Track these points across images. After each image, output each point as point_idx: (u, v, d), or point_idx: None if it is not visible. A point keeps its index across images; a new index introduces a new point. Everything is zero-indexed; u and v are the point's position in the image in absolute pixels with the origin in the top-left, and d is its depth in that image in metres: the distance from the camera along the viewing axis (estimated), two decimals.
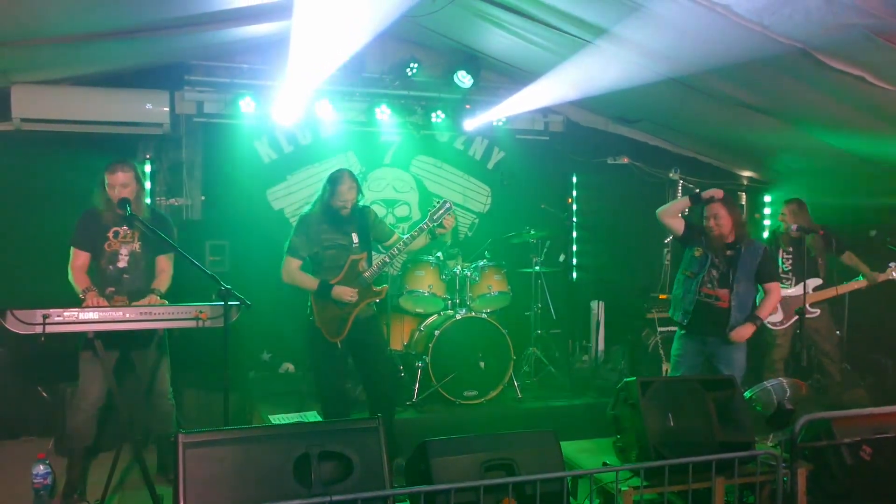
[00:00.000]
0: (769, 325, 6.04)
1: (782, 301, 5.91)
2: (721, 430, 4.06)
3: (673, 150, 7.83)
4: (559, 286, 7.41)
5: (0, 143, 5.95)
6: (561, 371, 6.76)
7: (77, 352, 4.27)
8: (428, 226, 4.70)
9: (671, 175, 7.46)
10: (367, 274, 4.66)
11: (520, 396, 6.03)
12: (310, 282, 4.66)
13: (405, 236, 4.74)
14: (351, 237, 4.69)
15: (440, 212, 4.69)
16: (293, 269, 4.67)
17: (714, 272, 4.85)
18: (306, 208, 4.81)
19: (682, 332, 4.95)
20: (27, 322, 3.71)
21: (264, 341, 6.69)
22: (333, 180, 4.61)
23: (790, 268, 6.15)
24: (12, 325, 3.72)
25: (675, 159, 7.70)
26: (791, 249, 6.15)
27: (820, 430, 4.07)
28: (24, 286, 5.61)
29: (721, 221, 4.86)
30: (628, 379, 4.22)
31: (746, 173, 8.03)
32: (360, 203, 4.75)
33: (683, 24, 4.43)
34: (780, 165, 7.45)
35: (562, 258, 7.53)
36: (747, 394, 4.88)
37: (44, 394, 5.67)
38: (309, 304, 4.69)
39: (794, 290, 6.02)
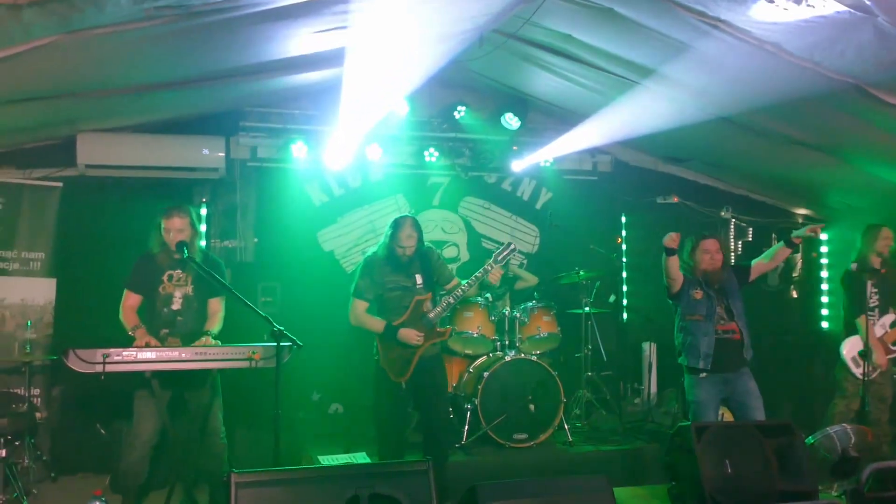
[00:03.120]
0: (851, 374, 5.53)
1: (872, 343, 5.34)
2: (782, 479, 3.93)
3: (724, 188, 7.73)
4: (610, 327, 7.32)
5: (66, 188, 6.20)
6: (612, 414, 6.64)
7: (133, 391, 4.37)
8: (492, 267, 4.74)
9: (722, 214, 7.35)
10: (431, 315, 4.70)
11: (570, 440, 5.93)
12: (377, 324, 4.73)
13: (473, 276, 4.76)
14: (414, 278, 4.76)
15: (504, 253, 4.76)
16: (360, 312, 4.74)
17: (720, 308, 4.88)
18: (370, 250, 4.88)
19: (699, 376, 4.84)
20: (88, 361, 3.83)
21: (314, 382, 6.74)
22: (395, 225, 4.71)
23: (877, 303, 5.55)
24: (74, 363, 3.84)
25: (727, 198, 7.61)
26: (877, 280, 5.50)
27: (888, 480, 3.90)
28: (86, 326, 5.77)
29: (716, 257, 4.93)
30: (683, 423, 4.13)
31: (801, 211, 7.88)
32: (425, 246, 4.82)
33: (732, 63, 4.42)
34: (834, 202, 7.29)
35: (612, 299, 7.45)
36: (808, 440, 4.72)
37: (102, 431, 5.80)
38: (375, 345, 4.75)
39: (881, 328, 5.54)
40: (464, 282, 4.76)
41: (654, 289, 7.54)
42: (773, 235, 7.51)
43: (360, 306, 4.74)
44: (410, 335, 4.60)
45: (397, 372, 4.63)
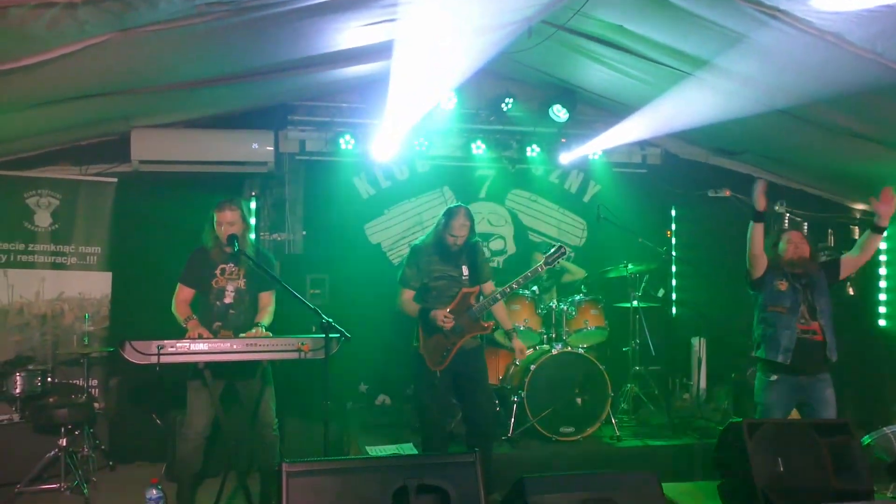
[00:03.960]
0: None
1: None
2: (836, 478, 3.83)
3: (778, 181, 7.55)
4: (658, 322, 7.24)
5: (120, 184, 6.36)
6: (660, 409, 6.58)
7: (186, 381, 4.47)
8: (542, 270, 4.75)
9: (776, 208, 7.19)
10: (476, 307, 4.70)
11: (618, 434, 5.89)
12: (416, 309, 4.76)
13: (521, 276, 4.77)
14: (461, 269, 4.77)
15: (555, 255, 4.76)
16: (407, 300, 4.77)
17: (803, 306, 4.56)
18: (419, 239, 4.91)
19: (775, 376, 4.59)
20: (143, 352, 3.93)
21: (362, 373, 6.82)
22: (449, 214, 4.70)
23: None
24: (130, 355, 3.94)
25: (781, 191, 7.44)
26: None
27: None
28: (141, 319, 5.93)
29: (801, 247, 4.64)
30: (734, 420, 4.06)
31: (860, 206, 7.65)
32: (473, 240, 4.82)
33: (790, 53, 4.30)
34: None
35: (661, 293, 7.36)
36: (865, 440, 4.61)
37: (158, 421, 5.95)
38: (416, 331, 4.75)
39: None
40: (500, 289, 4.80)
41: (704, 283, 7.50)
42: (830, 231, 7.33)
43: (406, 294, 4.76)
44: (438, 315, 4.60)
45: (435, 360, 4.64)
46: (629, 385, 6.58)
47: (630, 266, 6.55)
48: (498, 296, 4.75)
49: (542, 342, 6.23)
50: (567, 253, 4.79)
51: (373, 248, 7.22)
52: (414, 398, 4.90)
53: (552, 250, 4.80)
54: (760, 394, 4.65)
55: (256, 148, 6.48)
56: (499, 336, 6.21)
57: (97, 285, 6.25)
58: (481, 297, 4.78)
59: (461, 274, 4.77)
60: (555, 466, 5.41)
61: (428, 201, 7.40)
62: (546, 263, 4.75)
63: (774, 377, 4.57)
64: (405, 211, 7.33)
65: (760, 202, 4.57)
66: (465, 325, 4.68)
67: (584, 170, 7.66)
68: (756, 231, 4.64)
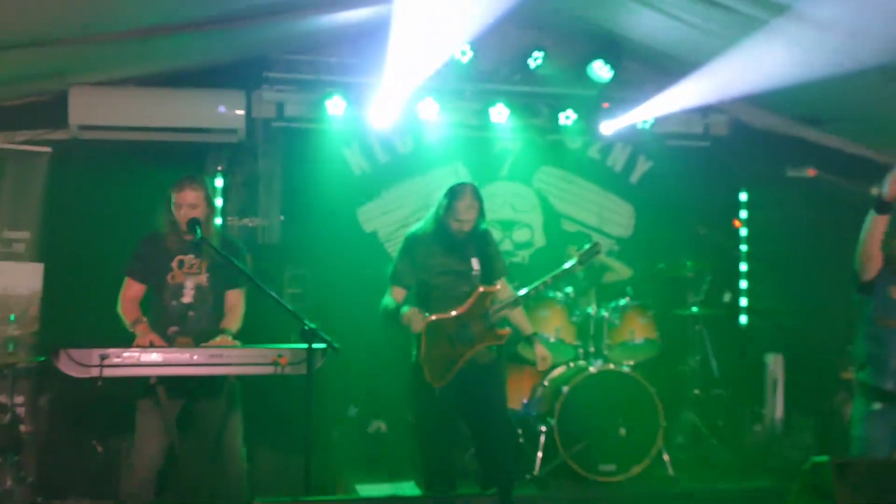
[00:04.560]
0: None
1: None
2: None
3: (878, 159, 7.48)
4: (724, 334, 7.21)
5: (55, 154, 6.37)
6: (726, 444, 6.56)
7: (135, 401, 4.46)
8: (577, 270, 4.76)
9: (874, 191, 7.14)
10: (492, 312, 4.70)
11: (672, 474, 5.88)
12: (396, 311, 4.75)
13: (549, 276, 4.76)
14: (470, 263, 4.75)
15: (589, 254, 4.79)
16: (394, 301, 4.76)
17: None
18: (416, 226, 4.91)
19: (879, 405, 4.55)
20: (82, 363, 3.93)
21: (352, 393, 6.82)
22: (452, 194, 4.68)
23: None
24: (65, 366, 3.94)
25: (880, 171, 7.37)
26: None
27: None
28: (80, 322, 5.93)
29: None
30: (818, 458, 4.04)
31: None
32: (483, 226, 4.81)
33: None
34: None
35: (727, 297, 7.33)
36: None
37: (99, 449, 5.96)
38: (415, 337, 4.70)
39: None
40: (525, 289, 4.78)
41: (782, 285, 7.46)
42: None
43: (395, 294, 4.75)
44: (412, 317, 4.57)
45: (437, 373, 4.61)
46: (687, 413, 6.56)
47: (689, 263, 6.52)
48: (520, 299, 4.74)
49: (576, 357, 6.22)
50: (604, 249, 4.77)
51: (367, 238, 7.23)
52: (414, 422, 4.89)
53: (586, 247, 4.80)
54: (859, 426, 4.58)
55: (224, 112, 6.49)
56: (524, 349, 6.21)
57: (25, 279, 6.27)
58: (496, 299, 4.77)
59: (470, 268, 4.75)
60: None
61: (436, 180, 7.35)
62: (579, 262, 4.74)
63: (878, 406, 4.50)
64: (408, 192, 7.33)
65: (893, 189, 4.52)
66: (476, 332, 4.66)
67: (632, 142, 7.63)
68: (877, 225, 4.56)
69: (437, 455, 4.74)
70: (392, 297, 4.76)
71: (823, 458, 3.98)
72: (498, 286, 4.78)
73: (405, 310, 4.64)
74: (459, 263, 4.74)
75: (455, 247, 4.72)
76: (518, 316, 4.94)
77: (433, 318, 4.62)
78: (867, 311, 4.62)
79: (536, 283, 4.79)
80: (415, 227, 4.91)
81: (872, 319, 4.60)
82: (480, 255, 4.79)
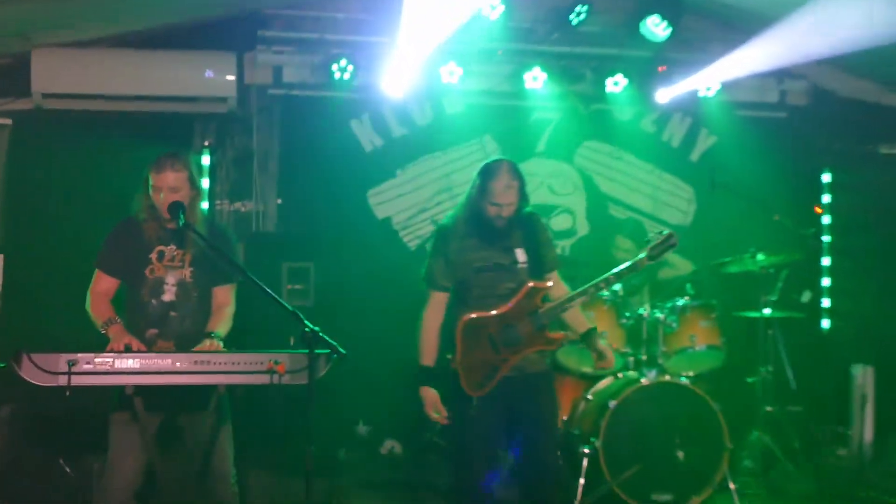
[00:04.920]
0: None
1: None
2: None
3: None
4: (802, 341, 7.20)
5: (16, 127, 6.43)
6: (803, 470, 6.52)
7: (108, 414, 4.47)
8: (645, 264, 4.69)
9: None
10: (543, 311, 4.69)
11: None
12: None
13: (611, 273, 4.72)
14: (514, 254, 4.70)
15: (663, 246, 4.68)
16: (434, 311, 4.74)
17: None
18: (447, 215, 4.90)
19: None
20: (48, 370, 3.95)
21: (361, 408, 6.86)
22: (486, 173, 4.63)
23: None
24: (28, 373, 3.97)
25: None
26: None
27: None
28: (46, 321, 6.01)
29: None
30: None
31: None
32: (527, 209, 4.78)
33: None
34: None
35: (806, 297, 7.30)
36: None
37: (67, 469, 6.02)
38: (453, 337, 4.69)
39: None
40: (587, 284, 4.71)
41: (872, 283, 7.41)
42: None
43: (435, 300, 4.73)
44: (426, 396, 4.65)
45: (474, 381, 4.60)
46: (756, 433, 6.53)
47: (760, 256, 6.48)
48: (578, 297, 4.69)
49: (626, 367, 6.21)
50: (677, 244, 4.70)
51: (379, 226, 7.29)
52: (448, 437, 4.90)
53: (659, 238, 4.68)
54: None
55: (211, 77, 6.52)
56: (563, 356, 6.21)
57: None
58: (547, 297, 4.75)
59: (514, 260, 4.70)
60: None
61: (461, 157, 7.42)
62: (650, 257, 4.69)
63: None
64: (427, 171, 7.38)
65: None
66: (524, 335, 4.65)
67: (693, 113, 7.64)
68: None
69: (469, 477, 4.72)
70: (428, 306, 4.74)
71: None
72: (550, 282, 4.75)
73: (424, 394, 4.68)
74: (502, 256, 4.69)
75: (495, 236, 4.67)
76: (573, 313, 4.88)
77: (472, 315, 4.62)
78: None
79: (597, 280, 4.70)
80: (446, 216, 4.90)
81: None
82: (527, 245, 4.75)
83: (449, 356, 4.68)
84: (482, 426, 4.64)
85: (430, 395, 4.65)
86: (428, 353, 4.71)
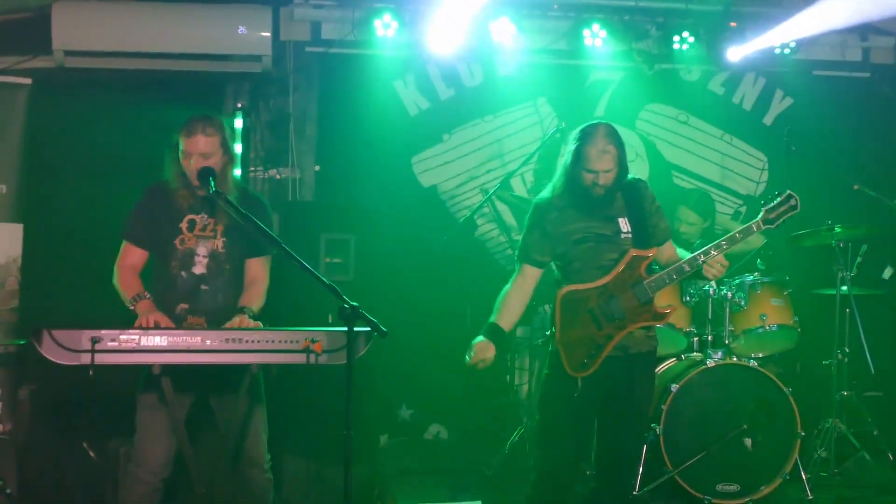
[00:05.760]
0: None
1: None
2: None
3: None
4: (884, 320, 7.15)
5: (35, 88, 6.45)
6: (882, 460, 6.47)
7: (135, 395, 4.51)
8: (762, 228, 4.61)
9: None
10: (649, 282, 4.66)
11: (811, 497, 5.83)
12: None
13: (726, 237, 4.62)
14: (616, 224, 4.65)
15: (781, 207, 4.59)
16: (525, 284, 4.74)
17: None
18: (545, 192, 4.81)
19: None
20: (70, 348, 3.98)
21: (404, 391, 6.88)
22: (580, 138, 4.56)
23: None
24: (50, 351, 4.00)
25: None
26: None
27: None
28: (68, 295, 6.06)
29: None
30: None
31: None
32: (630, 176, 4.73)
33: None
34: None
35: (888, 274, 7.20)
36: None
37: (91, 453, 6.09)
38: (551, 311, 4.72)
39: None
40: (700, 251, 4.56)
41: None
42: None
43: (528, 274, 4.72)
44: (479, 350, 4.60)
45: (577, 361, 4.57)
46: (831, 420, 6.46)
47: (837, 229, 6.40)
48: (686, 266, 4.60)
49: (690, 348, 6.19)
50: (798, 206, 4.60)
51: (425, 194, 7.30)
52: (539, 422, 4.87)
53: (778, 200, 4.58)
54: None
55: (244, 34, 6.52)
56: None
57: (1, 243, 6.40)
58: (654, 266, 4.71)
59: (617, 230, 4.63)
60: None
61: (513, 121, 7.39)
62: (765, 220, 4.58)
63: None
64: (477, 136, 7.36)
65: None
66: (628, 308, 4.61)
67: (767, 73, 7.56)
68: None
69: (557, 461, 4.68)
70: (516, 278, 4.74)
71: None
72: (653, 251, 4.68)
73: (478, 340, 4.62)
74: (603, 226, 4.63)
75: (594, 206, 4.61)
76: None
77: (571, 288, 4.60)
78: None
79: (708, 247, 4.63)
80: (544, 191, 4.86)
81: None
82: (631, 215, 4.68)
83: (548, 332, 4.68)
84: (581, 410, 4.63)
85: (483, 346, 4.61)
86: (504, 316, 4.69)
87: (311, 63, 7.09)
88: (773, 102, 7.64)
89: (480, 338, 4.62)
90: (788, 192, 4.60)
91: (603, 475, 4.77)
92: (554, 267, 4.73)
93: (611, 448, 4.71)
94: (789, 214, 4.58)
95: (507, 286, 4.73)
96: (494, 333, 4.64)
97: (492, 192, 6.82)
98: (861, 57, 7.63)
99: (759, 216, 4.57)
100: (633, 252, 4.56)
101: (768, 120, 7.64)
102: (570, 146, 4.58)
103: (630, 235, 4.61)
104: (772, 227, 4.60)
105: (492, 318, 4.67)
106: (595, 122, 4.63)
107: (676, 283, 6.04)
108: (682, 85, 7.53)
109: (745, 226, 4.61)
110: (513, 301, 4.70)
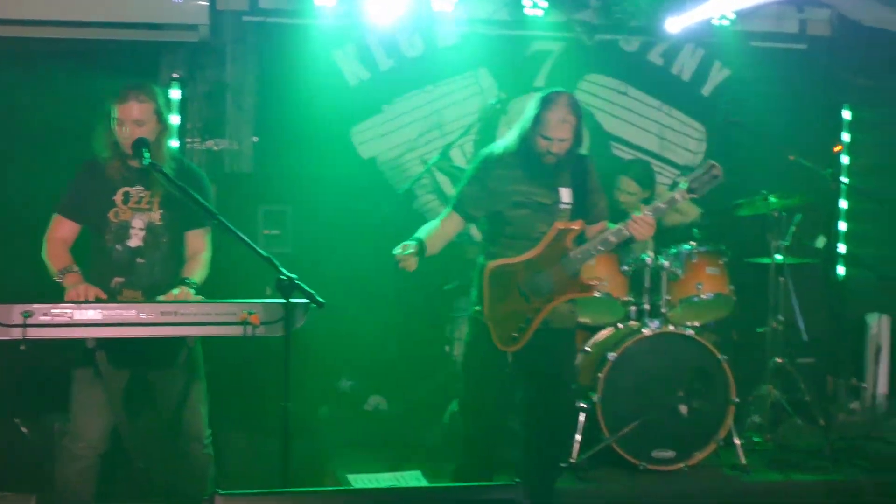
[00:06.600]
0: None
1: None
2: None
3: None
4: (815, 289, 7.23)
5: None
6: (814, 425, 6.56)
7: (70, 370, 4.48)
8: (686, 198, 4.62)
9: None
10: (574, 254, 4.70)
11: (744, 462, 5.92)
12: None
13: (649, 206, 4.64)
14: (558, 193, 4.70)
15: (704, 177, 4.61)
16: (447, 227, 4.77)
17: None
18: (497, 144, 4.83)
19: None
20: (1, 322, 3.97)
21: (344, 362, 6.88)
22: (543, 104, 4.58)
23: None
24: None
25: None
26: None
27: None
28: None
29: None
30: None
31: None
32: (580, 151, 4.75)
33: None
34: None
35: (821, 243, 7.32)
36: None
37: (24, 430, 6.04)
38: (478, 286, 4.73)
39: None
40: (619, 225, 4.61)
41: (893, 229, 7.40)
42: None
43: (452, 219, 4.75)
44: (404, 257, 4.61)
45: (506, 335, 4.64)
46: (765, 387, 6.56)
47: (772, 199, 6.48)
48: (611, 237, 4.61)
49: (627, 317, 6.25)
50: (721, 176, 4.64)
51: (364, 166, 7.29)
52: (464, 396, 4.92)
53: (700, 170, 4.58)
54: None
55: (180, 2, 6.44)
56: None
57: None
58: (581, 239, 4.71)
59: (557, 199, 4.67)
60: None
61: (453, 91, 7.41)
62: (690, 190, 4.60)
63: None
64: (417, 106, 7.36)
65: None
66: (556, 281, 4.67)
67: (705, 44, 7.63)
68: None
69: (484, 432, 4.79)
70: (443, 220, 4.75)
71: None
72: (579, 223, 4.71)
73: (411, 243, 4.60)
74: (545, 194, 4.67)
75: (542, 173, 4.65)
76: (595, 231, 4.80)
77: (498, 262, 4.64)
78: None
79: (635, 216, 4.66)
80: (495, 144, 4.84)
81: None
82: (575, 188, 4.73)
83: (477, 307, 4.71)
84: (508, 382, 4.71)
85: (413, 251, 4.62)
86: (427, 233, 4.71)
87: (248, 32, 7.03)
88: (711, 73, 7.70)
89: (412, 242, 4.63)
90: (710, 162, 4.64)
91: (532, 446, 4.84)
92: (480, 230, 4.76)
93: (538, 420, 4.79)
94: (712, 184, 4.61)
95: (434, 223, 4.76)
96: (421, 248, 4.64)
97: (431, 162, 6.85)
98: (798, 28, 7.70)
99: (685, 185, 4.61)
100: (559, 224, 4.61)
101: (706, 91, 7.71)
102: (531, 110, 4.60)
103: (569, 207, 4.67)
104: (695, 196, 4.64)
105: (420, 236, 4.69)
106: (559, 90, 4.66)
107: (612, 254, 6.12)
108: (622, 55, 7.57)
109: (669, 196, 4.66)
110: (435, 239, 4.72)
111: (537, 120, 4.56)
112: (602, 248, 4.67)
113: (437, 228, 4.75)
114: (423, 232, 4.72)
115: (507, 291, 4.62)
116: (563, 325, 4.76)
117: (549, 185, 4.67)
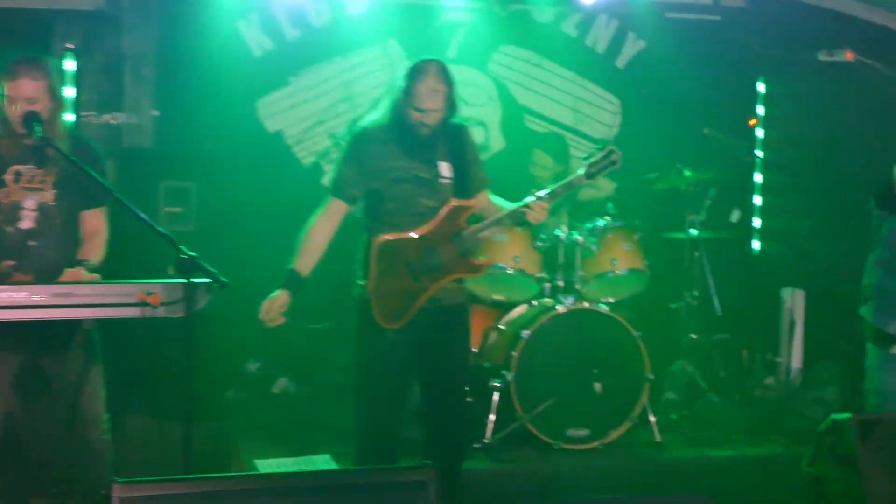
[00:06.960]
0: None
1: None
2: None
3: None
4: (730, 263, 7.34)
5: None
6: (729, 401, 6.73)
7: None
8: (583, 182, 4.69)
9: None
10: (468, 233, 4.68)
11: (659, 440, 6.03)
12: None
13: (546, 190, 4.68)
14: (437, 168, 4.68)
15: (603, 162, 4.66)
16: (329, 219, 4.70)
17: None
18: (366, 120, 4.81)
19: (891, 351, 4.76)
20: None
21: (250, 344, 6.82)
22: (411, 74, 4.55)
23: None
24: None
25: None
26: None
27: None
28: None
29: None
30: (838, 416, 4.17)
31: None
32: (456, 119, 4.74)
33: None
34: None
35: (735, 217, 7.43)
36: None
37: None
38: (364, 261, 4.69)
39: None
40: (515, 204, 4.65)
41: (806, 202, 7.56)
42: None
43: (334, 208, 4.69)
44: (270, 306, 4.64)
45: (390, 313, 4.61)
46: (680, 363, 6.68)
47: (687, 173, 6.57)
48: (506, 219, 4.68)
49: (541, 294, 6.29)
50: (619, 162, 4.71)
51: (271, 140, 7.23)
52: (354, 375, 4.89)
53: (600, 154, 4.72)
54: (875, 376, 4.81)
55: None
56: (473, 283, 6.24)
57: None
58: (474, 217, 4.72)
59: (437, 174, 4.68)
60: (559, 489, 5.52)
61: (362, 63, 7.35)
62: (588, 175, 4.68)
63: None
64: (325, 79, 7.30)
65: None
66: (445, 260, 4.66)
67: (620, 15, 7.65)
68: None
69: (381, 420, 4.74)
70: (324, 212, 4.70)
71: (845, 416, 4.12)
72: (474, 201, 4.73)
73: (276, 295, 4.63)
74: (423, 168, 4.65)
75: (418, 146, 4.63)
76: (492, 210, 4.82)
77: (388, 237, 4.60)
78: (883, 232, 4.79)
79: (528, 200, 4.71)
80: (365, 120, 4.81)
81: (889, 243, 4.77)
82: (453, 160, 4.73)
83: (361, 282, 4.68)
84: (394, 363, 4.67)
85: (282, 298, 4.63)
86: (305, 260, 4.68)
87: (148, 1, 6.90)
88: (625, 45, 7.74)
89: (276, 292, 4.63)
90: (611, 147, 4.75)
91: (433, 431, 4.84)
92: (360, 208, 4.73)
93: (436, 403, 4.80)
94: (610, 169, 4.72)
95: (312, 220, 4.70)
96: (292, 282, 4.64)
97: (339, 136, 6.81)
98: (712, 1, 7.76)
99: (583, 170, 4.70)
100: (454, 202, 4.61)
101: (621, 63, 7.75)
102: (402, 82, 4.56)
103: (450, 182, 4.68)
104: (593, 181, 4.77)
105: (290, 264, 4.66)
106: (427, 58, 4.62)
107: (526, 229, 6.15)
108: (535, 26, 7.56)
109: (567, 180, 4.73)
110: (318, 238, 4.69)
111: (407, 92, 4.53)
112: (496, 229, 4.76)
113: (315, 231, 4.69)
114: (297, 248, 4.70)
115: (395, 267, 4.60)
116: (453, 302, 4.75)
117: (427, 158, 4.67)
